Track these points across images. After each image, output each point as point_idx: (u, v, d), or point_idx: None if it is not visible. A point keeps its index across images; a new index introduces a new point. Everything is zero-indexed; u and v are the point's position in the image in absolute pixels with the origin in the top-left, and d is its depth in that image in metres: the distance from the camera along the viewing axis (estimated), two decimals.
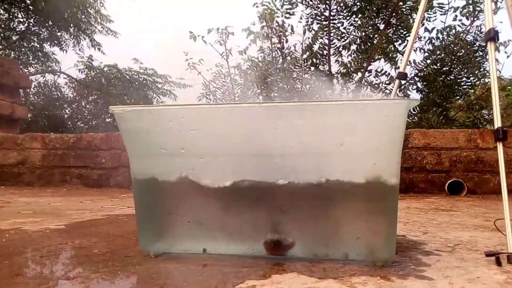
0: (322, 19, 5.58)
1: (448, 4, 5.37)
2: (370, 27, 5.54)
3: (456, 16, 5.36)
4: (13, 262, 1.12)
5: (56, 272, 1.04)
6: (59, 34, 9.65)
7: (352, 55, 5.67)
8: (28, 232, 1.57)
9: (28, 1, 8.82)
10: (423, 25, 5.28)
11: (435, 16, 5.46)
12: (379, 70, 5.69)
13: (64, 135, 4.31)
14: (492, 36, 1.37)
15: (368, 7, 5.45)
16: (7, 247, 1.29)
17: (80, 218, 1.95)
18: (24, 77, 5.65)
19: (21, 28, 9.47)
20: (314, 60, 5.70)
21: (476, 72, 5.47)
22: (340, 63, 5.74)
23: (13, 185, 4.15)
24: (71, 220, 1.87)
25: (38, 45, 9.91)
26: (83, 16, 9.40)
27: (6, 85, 5.05)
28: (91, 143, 4.16)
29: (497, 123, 1.30)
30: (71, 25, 9.27)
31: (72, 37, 9.74)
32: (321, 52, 5.66)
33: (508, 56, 5.33)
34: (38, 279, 0.96)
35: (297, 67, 5.76)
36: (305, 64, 5.72)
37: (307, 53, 5.65)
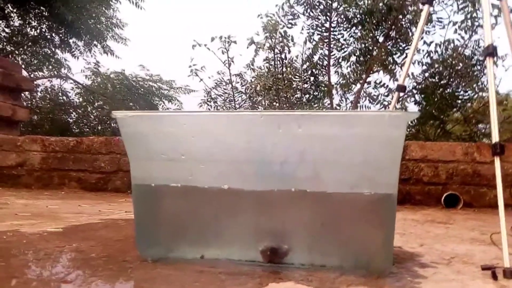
0: (323, 30, 5.64)
1: (448, 18, 5.44)
2: (369, 39, 5.59)
3: (456, 29, 5.42)
4: (10, 264, 1.12)
5: (53, 275, 1.04)
6: (71, 41, 9.69)
7: (352, 67, 5.72)
8: (25, 234, 1.57)
9: (43, 8, 8.81)
10: (422, 38, 5.33)
11: (434, 30, 5.53)
12: (378, 82, 5.74)
13: (64, 138, 4.29)
14: (491, 51, 1.39)
15: (368, 20, 5.51)
16: (4, 249, 1.29)
17: (78, 222, 1.94)
18: (27, 79, 5.64)
19: (33, 34, 9.48)
20: (314, 70, 5.74)
21: (474, 85, 5.52)
22: (339, 74, 5.79)
23: (11, 186, 4.12)
24: (68, 223, 1.87)
25: (49, 51, 9.93)
26: (96, 25, 9.43)
27: (7, 87, 5.04)
28: (91, 146, 4.15)
29: (495, 137, 1.31)
30: (83, 32, 9.28)
31: (84, 44, 9.77)
32: (321, 62, 5.71)
33: (506, 70, 5.38)
34: (35, 282, 0.96)
35: (296, 77, 5.80)
36: (305, 74, 5.76)
37: (307, 63, 5.69)
